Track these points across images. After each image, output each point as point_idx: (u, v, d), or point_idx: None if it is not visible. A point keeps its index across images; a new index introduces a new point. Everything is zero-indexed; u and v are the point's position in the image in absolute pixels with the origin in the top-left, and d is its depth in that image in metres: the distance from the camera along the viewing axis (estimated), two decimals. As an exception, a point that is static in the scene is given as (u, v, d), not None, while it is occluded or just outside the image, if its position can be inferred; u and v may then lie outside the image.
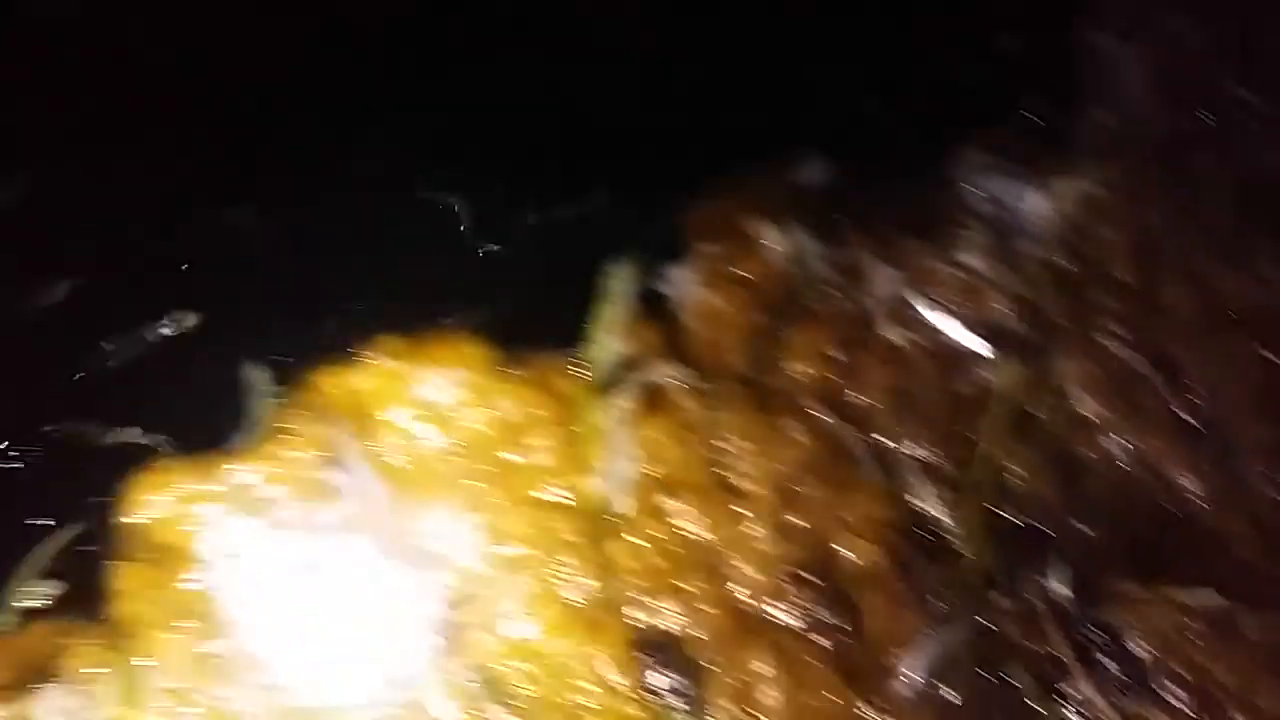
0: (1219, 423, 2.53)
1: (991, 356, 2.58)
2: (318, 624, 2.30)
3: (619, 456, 2.49)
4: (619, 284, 2.74)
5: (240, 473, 2.43)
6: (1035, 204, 2.86)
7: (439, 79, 3.06)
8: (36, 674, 2.24)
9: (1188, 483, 2.45)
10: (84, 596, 2.34)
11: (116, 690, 2.21)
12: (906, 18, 3.22)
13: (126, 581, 2.33)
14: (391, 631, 2.28)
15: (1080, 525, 2.38)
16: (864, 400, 2.57)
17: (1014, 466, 2.45)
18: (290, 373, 2.61)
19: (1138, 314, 2.68)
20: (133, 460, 2.46)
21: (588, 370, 2.60)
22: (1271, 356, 2.63)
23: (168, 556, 2.35)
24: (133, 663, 2.24)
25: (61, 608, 2.34)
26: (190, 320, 2.70)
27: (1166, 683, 2.25)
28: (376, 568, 2.33)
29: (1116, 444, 2.48)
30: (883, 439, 2.52)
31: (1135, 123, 3.07)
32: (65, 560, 2.38)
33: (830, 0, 3.23)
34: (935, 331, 2.65)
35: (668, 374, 2.60)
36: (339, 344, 2.63)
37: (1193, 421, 2.54)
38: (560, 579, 2.36)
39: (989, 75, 3.14)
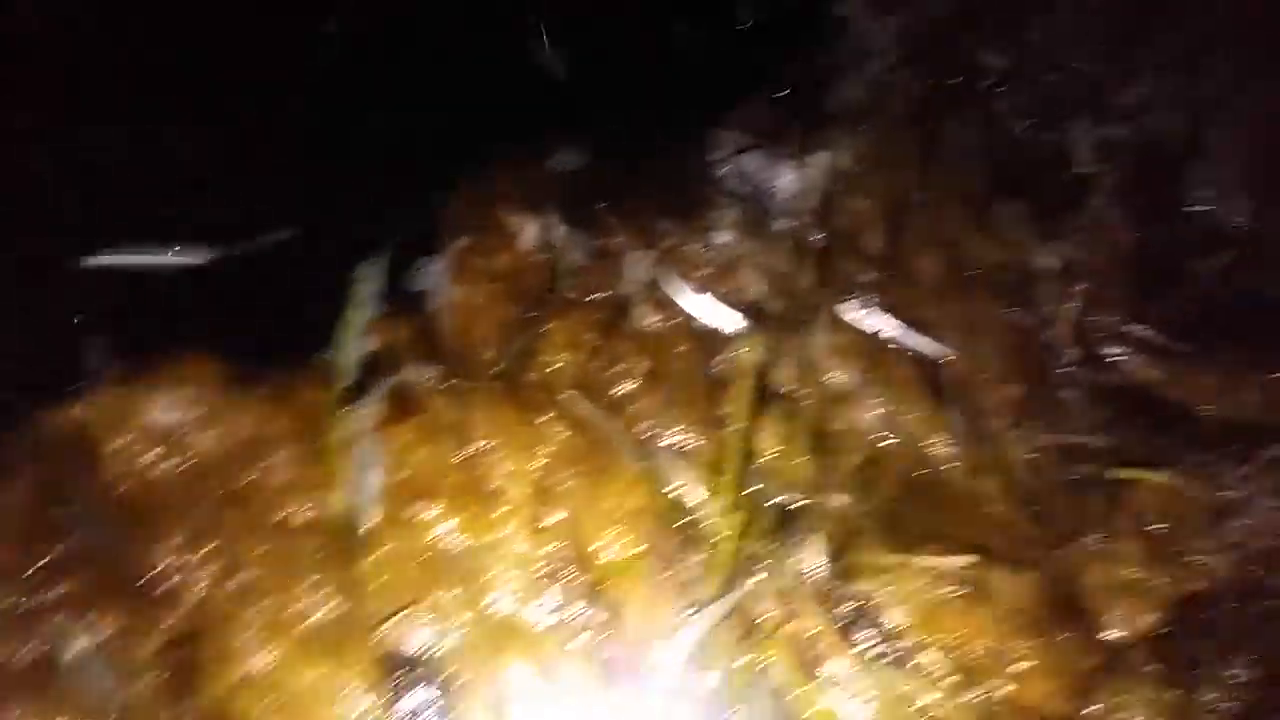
0: (969, 385, 2.54)
1: (746, 334, 2.54)
2: (39, 681, 2.11)
3: (367, 467, 2.37)
4: (366, 285, 2.62)
5: (-47, 518, 2.22)
6: (788, 178, 2.84)
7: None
8: None
9: (940, 447, 2.46)
10: None
11: None
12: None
13: None
14: (112, 673, 2.11)
15: (834, 497, 2.36)
16: (622, 387, 2.50)
17: (768, 443, 2.41)
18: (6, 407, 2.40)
19: (888, 282, 2.67)
20: None
21: (334, 378, 2.46)
22: (1017, 316, 2.66)
23: None
24: None
25: None
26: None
27: (925, 652, 2.23)
28: (100, 605, 2.16)
29: (870, 413, 2.47)
30: (640, 426, 2.46)
31: (885, 92, 3.09)
32: None
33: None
34: (691, 313, 2.60)
35: (418, 374, 2.50)
36: (61, 373, 2.42)
37: (943, 386, 2.54)
38: (303, 602, 2.22)
39: (738, 51, 3.12)
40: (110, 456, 2.32)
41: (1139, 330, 2.64)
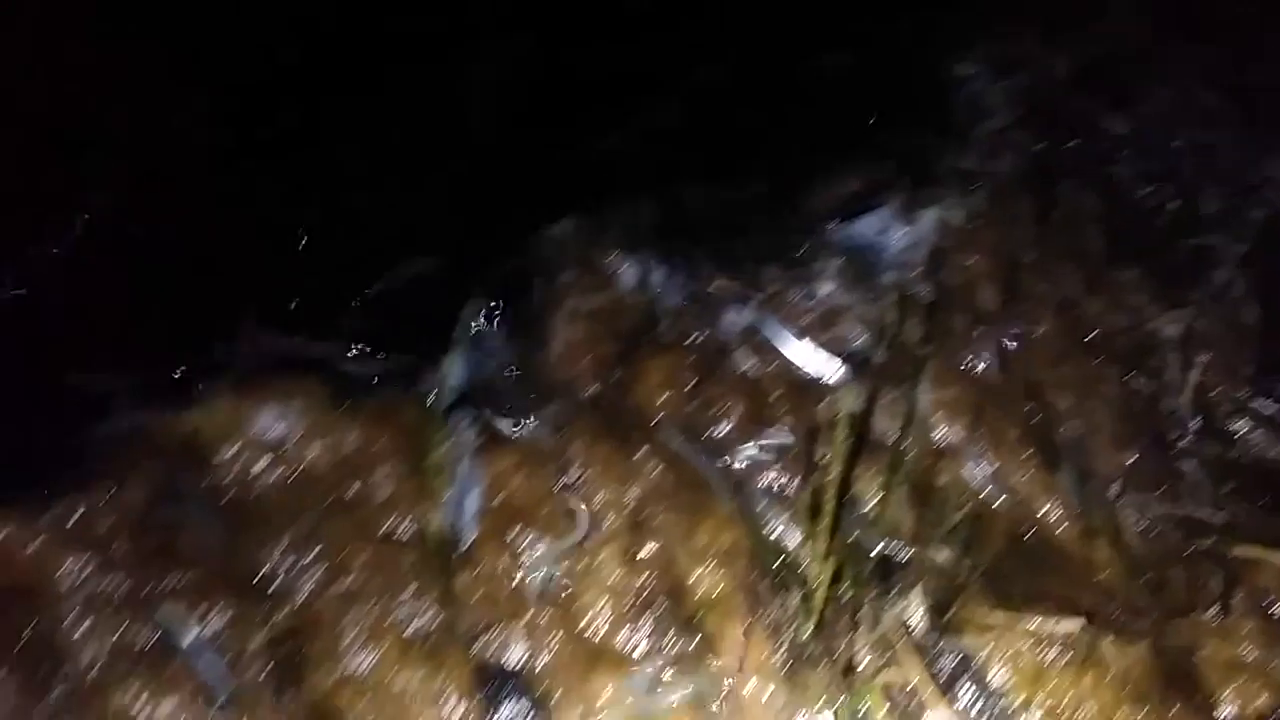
0: (1081, 448, 2.48)
1: (846, 383, 2.51)
2: (156, 662, 2.15)
3: (467, 488, 2.40)
4: (472, 317, 2.66)
5: (72, 510, 2.28)
6: (897, 233, 2.83)
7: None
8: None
9: (1050, 508, 2.40)
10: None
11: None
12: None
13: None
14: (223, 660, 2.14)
15: (937, 551, 2.31)
16: (718, 429, 2.49)
17: (867, 492, 2.38)
18: (127, 410, 2.47)
19: (1001, 340, 2.64)
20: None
21: (439, 402, 2.50)
22: (1132, 381, 2.60)
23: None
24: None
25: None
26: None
27: (1029, 713, 2.16)
28: (211, 596, 2.20)
29: (977, 470, 2.42)
30: (735, 465, 2.44)
31: (1000, 151, 3.07)
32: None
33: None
34: (790, 360, 2.58)
35: (519, 403, 2.52)
36: (176, 381, 2.50)
37: (1055, 447, 2.49)
38: (404, 610, 2.24)
39: (851, 107, 3.14)
40: (221, 463, 2.36)
41: (1264, 406, 2.55)
